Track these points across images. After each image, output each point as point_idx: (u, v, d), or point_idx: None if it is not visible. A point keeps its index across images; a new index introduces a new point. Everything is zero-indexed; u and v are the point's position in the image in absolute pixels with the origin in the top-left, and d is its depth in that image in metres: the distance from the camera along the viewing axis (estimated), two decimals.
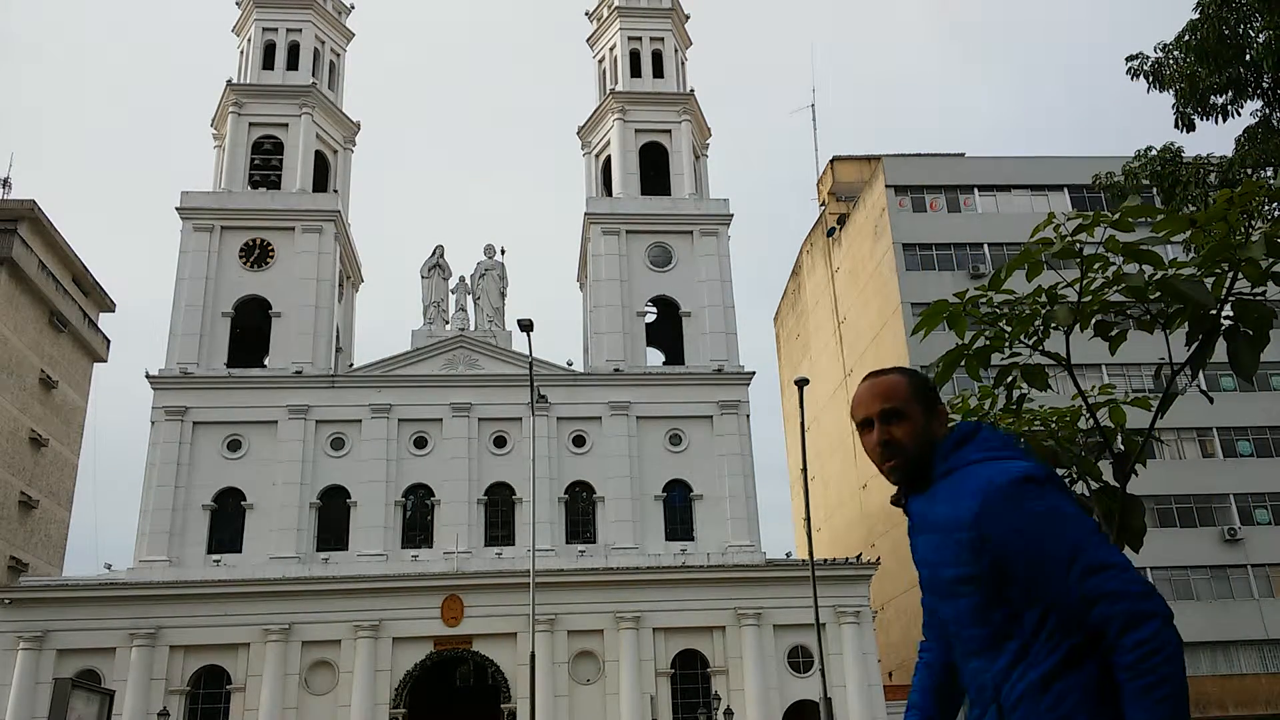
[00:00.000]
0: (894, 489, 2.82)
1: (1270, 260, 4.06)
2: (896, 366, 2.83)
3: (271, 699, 32.19)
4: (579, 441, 37.60)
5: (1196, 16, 12.41)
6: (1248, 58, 12.11)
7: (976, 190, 46.01)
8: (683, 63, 46.23)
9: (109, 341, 50.87)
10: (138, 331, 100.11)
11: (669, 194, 42.31)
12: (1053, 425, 5.43)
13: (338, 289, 40.12)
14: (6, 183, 44.65)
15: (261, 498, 35.48)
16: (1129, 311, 4.64)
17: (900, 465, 2.70)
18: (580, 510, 37.13)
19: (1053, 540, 2.41)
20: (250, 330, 38.67)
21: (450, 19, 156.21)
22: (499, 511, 36.67)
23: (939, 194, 45.92)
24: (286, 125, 41.67)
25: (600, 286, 39.90)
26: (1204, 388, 37.96)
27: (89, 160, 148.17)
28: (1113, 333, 4.74)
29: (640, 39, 45.30)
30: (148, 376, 36.29)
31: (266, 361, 38.30)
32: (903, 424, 2.68)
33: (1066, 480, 5.44)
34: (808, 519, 26.10)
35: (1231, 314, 4.17)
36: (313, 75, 42.89)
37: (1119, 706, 2.31)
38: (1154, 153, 13.41)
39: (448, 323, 39.29)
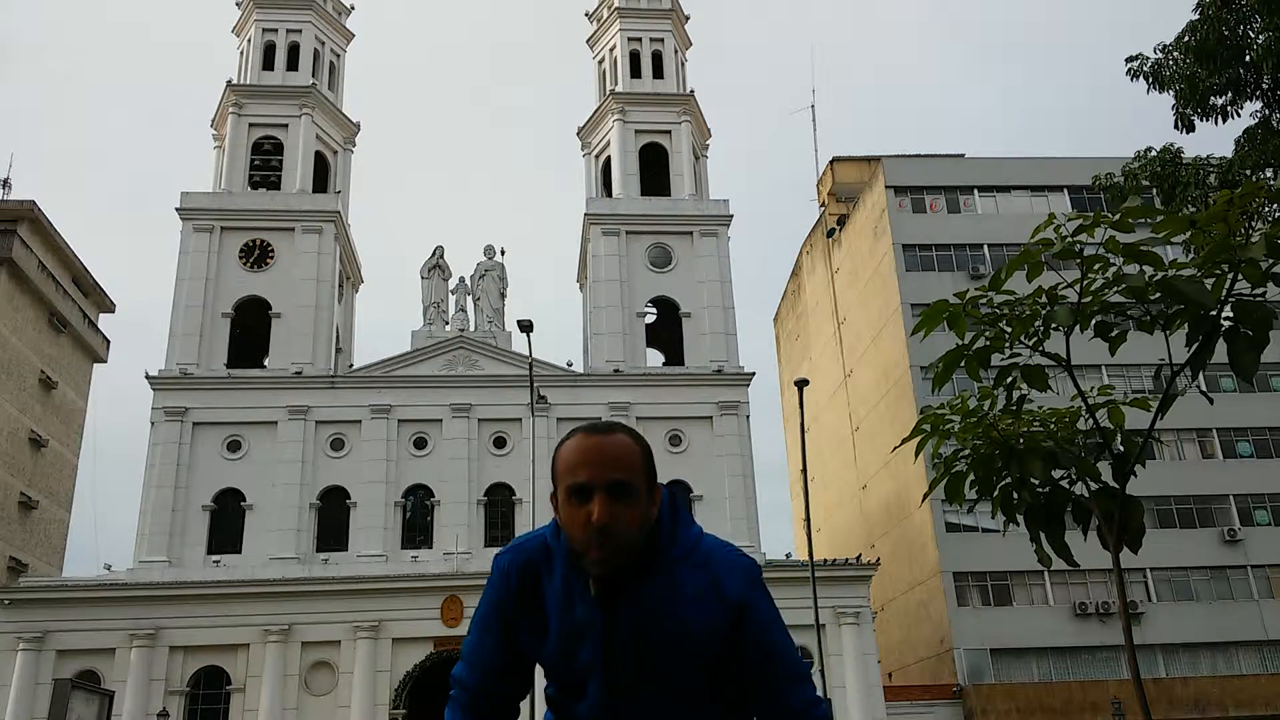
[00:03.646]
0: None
1: (1270, 261, 4.07)
2: (619, 424, 2.31)
3: (271, 700, 32.18)
4: None
5: (1196, 17, 12.41)
6: (1247, 59, 12.10)
7: (976, 191, 45.99)
8: (683, 63, 46.20)
9: (109, 342, 50.85)
10: (138, 331, 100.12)
11: (669, 194, 42.29)
12: (1052, 426, 5.44)
13: (338, 289, 40.10)
14: (6, 183, 44.67)
15: (261, 498, 35.48)
16: (1129, 312, 4.64)
17: (626, 556, 2.20)
18: None
19: (782, 636, 2.35)
20: (250, 331, 38.64)
21: (450, 19, 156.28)
22: (499, 512, 36.65)
23: (939, 195, 45.90)
24: (286, 126, 41.66)
25: (600, 287, 39.89)
26: (1204, 388, 37.94)
27: (89, 160, 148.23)
28: (1113, 333, 4.74)
29: (640, 40, 45.28)
30: (147, 377, 36.28)
31: (266, 362, 38.28)
32: (631, 504, 2.18)
33: (1065, 481, 5.46)
34: (807, 519, 26.10)
35: (1231, 315, 4.17)
36: (313, 76, 42.86)
37: None
38: (1154, 154, 13.40)
39: (448, 323, 39.26)
